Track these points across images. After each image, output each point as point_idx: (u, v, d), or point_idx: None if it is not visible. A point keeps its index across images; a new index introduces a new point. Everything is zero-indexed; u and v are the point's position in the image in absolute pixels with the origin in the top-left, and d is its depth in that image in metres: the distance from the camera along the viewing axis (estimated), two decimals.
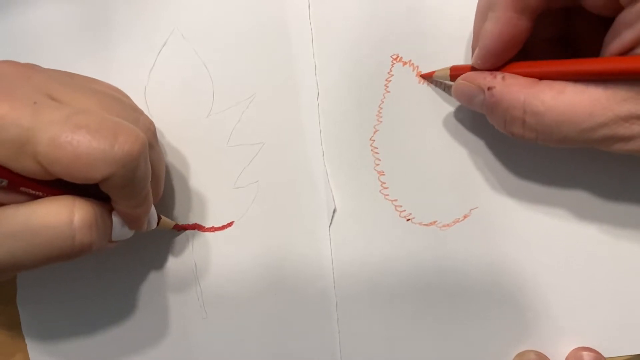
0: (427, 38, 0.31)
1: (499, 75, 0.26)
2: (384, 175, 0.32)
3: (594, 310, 0.31)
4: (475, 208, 0.31)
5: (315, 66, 0.32)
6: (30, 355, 0.34)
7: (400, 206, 0.32)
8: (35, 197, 0.25)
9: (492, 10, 0.25)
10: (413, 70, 0.31)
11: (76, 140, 0.22)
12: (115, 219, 0.26)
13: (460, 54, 0.31)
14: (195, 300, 0.33)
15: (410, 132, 0.32)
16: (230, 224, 0.33)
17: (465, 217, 0.31)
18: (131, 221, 0.27)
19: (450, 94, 0.30)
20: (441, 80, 0.31)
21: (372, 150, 0.32)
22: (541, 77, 0.25)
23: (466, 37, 0.31)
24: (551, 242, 0.31)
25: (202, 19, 0.32)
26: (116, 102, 0.26)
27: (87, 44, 0.33)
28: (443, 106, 0.31)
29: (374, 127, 0.32)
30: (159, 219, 0.30)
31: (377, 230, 0.32)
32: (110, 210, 0.26)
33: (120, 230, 0.27)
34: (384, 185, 0.32)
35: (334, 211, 0.32)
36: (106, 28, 0.33)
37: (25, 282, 0.34)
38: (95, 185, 0.24)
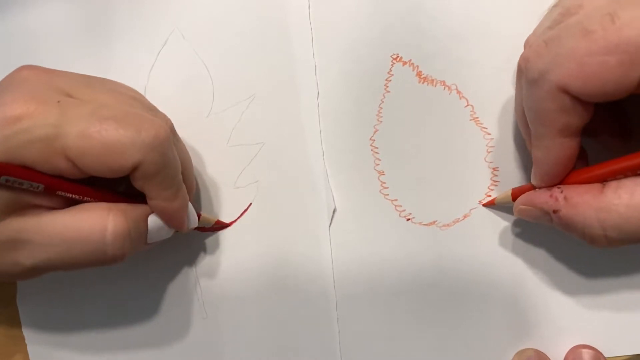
0: (427, 38, 0.31)
1: (559, 195, 0.25)
2: (384, 175, 0.32)
3: (594, 310, 0.31)
4: (475, 208, 0.31)
5: (315, 66, 0.32)
6: (30, 355, 0.34)
7: (400, 206, 0.32)
8: (72, 200, 0.25)
9: (539, 140, 0.25)
10: (413, 70, 0.31)
11: (104, 129, 0.23)
12: (152, 220, 0.27)
13: (461, 54, 0.31)
14: (195, 300, 0.33)
15: (410, 132, 0.32)
16: (230, 224, 0.33)
17: (465, 217, 0.31)
18: (170, 218, 0.27)
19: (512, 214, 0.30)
20: (504, 205, 0.30)
21: (372, 150, 0.32)
22: (603, 179, 0.24)
23: (466, 36, 0.31)
24: (551, 242, 0.31)
25: (202, 19, 0.32)
26: (133, 100, 0.27)
27: (87, 44, 0.33)
28: (443, 106, 0.31)
29: (374, 127, 0.32)
30: (199, 216, 0.30)
31: (377, 230, 0.32)
32: (146, 214, 0.27)
33: (157, 232, 0.27)
34: (384, 185, 0.32)
35: (334, 211, 0.32)
36: (106, 28, 0.33)
37: (25, 282, 0.34)
38: (130, 186, 0.25)
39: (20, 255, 0.25)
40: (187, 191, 0.28)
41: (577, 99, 0.23)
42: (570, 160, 0.25)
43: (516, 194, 0.28)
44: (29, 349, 0.34)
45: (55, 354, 0.34)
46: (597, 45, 0.21)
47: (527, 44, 0.26)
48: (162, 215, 0.27)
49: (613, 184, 0.24)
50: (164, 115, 0.28)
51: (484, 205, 0.31)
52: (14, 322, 0.34)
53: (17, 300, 0.34)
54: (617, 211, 0.23)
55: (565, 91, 0.23)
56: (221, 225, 0.33)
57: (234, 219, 0.33)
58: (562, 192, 0.25)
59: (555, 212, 0.25)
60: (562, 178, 0.26)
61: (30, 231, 0.24)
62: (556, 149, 0.25)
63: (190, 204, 0.28)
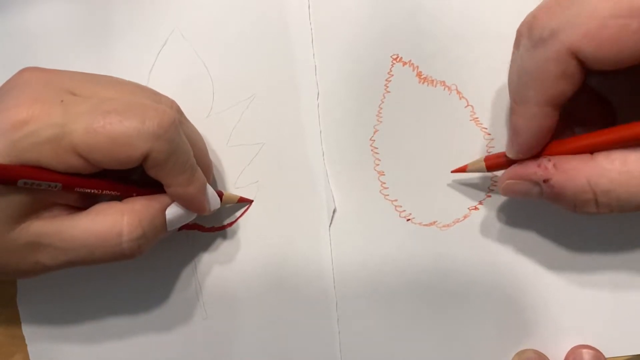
0: (427, 38, 0.31)
1: (547, 163, 0.25)
2: (384, 175, 0.32)
3: (594, 310, 0.31)
4: (475, 208, 0.31)
5: (315, 66, 0.32)
6: (30, 355, 0.34)
7: (400, 206, 0.32)
8: (92, 195, 0.26)
9: (525, 106, 0.24)
10: (413, 70, 0.31)
11: (108, 123, 0.24)
12: (170, 212, 0.27)
13: (461, 54, 0.31)
14: (195, 300, 0.33)
15: (410, 132, 0.32)
16: (230, 224, 0.33)
17: (465, 217, 0.31)
18: (189, 203, 0.27)
19: (484, 172, 0.29)
20: (475, 171, 0.30)
21: (372, 150, 0.32)
22: (590, 150, 0.24)
23: (466, 36, 0.31)
24: (551, 242, 0.31)
25: (202, 19, 0.32)
26: (136, 87, 0.28)
27: (87, 44, 0.33)
28: (443, 106, 0.31)
29: (374, 127, 0.32)
30: (222, 196, 0.30)
31: (377, 230, 0.32)
32: (163, 207, 0.27)
33: (177, 220, 0.28)
34: (384, 185, 0.32)
35: (334, 211, 0.32)
36: (106, 28, 0.33)
37: (25, 282, 0.34)
38: (145, 173, 0.26)
39: (42, 257, 0.26)
40: (204, 172, 0.28)
41: (582, 66, 0.22)
42: (549, 132, 0.25)
43: (489, 162, 0.28)
44: (29, 348, 0.34)
45: (56, 354, 0.34)
46: (620, 7, 0.21)
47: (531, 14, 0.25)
48: (180, 201, 0.27)
49: (603, 152, 0.24)
50: (169, 100, 0.28)
51: (453, 171, 0.30)
52: (14, 322, 0.34)
53: (17, 300, 0.34)
54: (609, 176, 0.23)
55: (574, 55, 0.22)
56: (222, 225, 0.33)
57: (234, 219, 0.33)
58: (550, 160, 0.25)
59: (545, 181, 0.25)
60: (539, 150, 0.25)
61: (50, 236, 0.25)
62: (541, 117, 0.24)
63: (208, 185, 0.29)
